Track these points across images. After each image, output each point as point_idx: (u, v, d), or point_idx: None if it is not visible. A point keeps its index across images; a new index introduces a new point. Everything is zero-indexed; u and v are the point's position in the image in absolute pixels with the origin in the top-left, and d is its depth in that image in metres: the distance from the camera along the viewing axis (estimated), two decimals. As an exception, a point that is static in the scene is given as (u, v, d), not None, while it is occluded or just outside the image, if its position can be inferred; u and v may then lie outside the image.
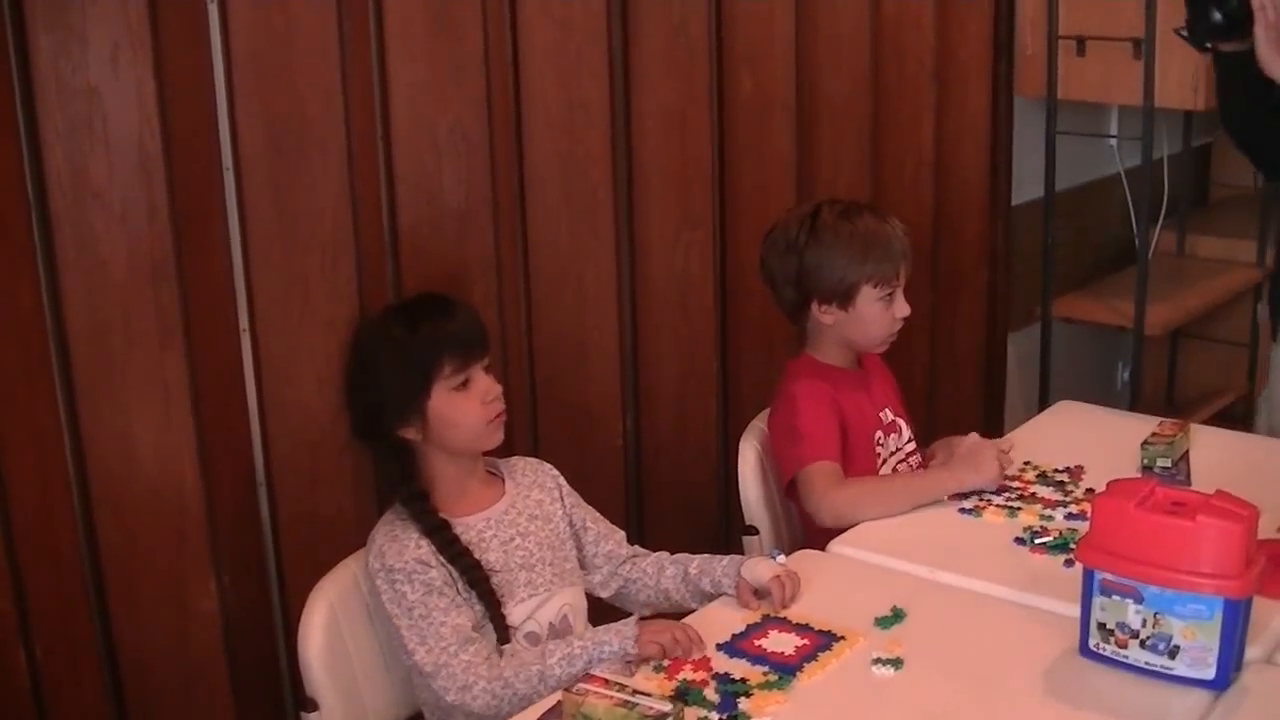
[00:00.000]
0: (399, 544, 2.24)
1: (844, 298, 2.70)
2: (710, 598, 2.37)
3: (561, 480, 2.49)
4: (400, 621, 2.21)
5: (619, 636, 2.14)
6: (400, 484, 2.31)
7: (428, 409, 2.27)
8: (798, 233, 2.72)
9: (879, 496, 2.62)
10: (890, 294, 2.71)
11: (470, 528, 2.32)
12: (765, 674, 2.08)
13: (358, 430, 2.38)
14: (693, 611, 2.34)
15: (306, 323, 2.54)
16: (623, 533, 2.52)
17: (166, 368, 2.36)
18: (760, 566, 2.32)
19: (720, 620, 2.25)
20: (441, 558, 2.25)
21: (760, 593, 2.31)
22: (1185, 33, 2.80)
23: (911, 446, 2.88)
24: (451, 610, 2.22)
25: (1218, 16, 2.70)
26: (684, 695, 2.00)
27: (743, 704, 2.00)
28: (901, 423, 2.88)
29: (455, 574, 2.25)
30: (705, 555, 2.44)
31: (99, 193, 2.25)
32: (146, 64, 2.25)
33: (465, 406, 2.29)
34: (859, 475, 2.71)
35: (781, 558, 2.37)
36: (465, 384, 2.29)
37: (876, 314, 2.72)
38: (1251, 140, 3.00)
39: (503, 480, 2.43)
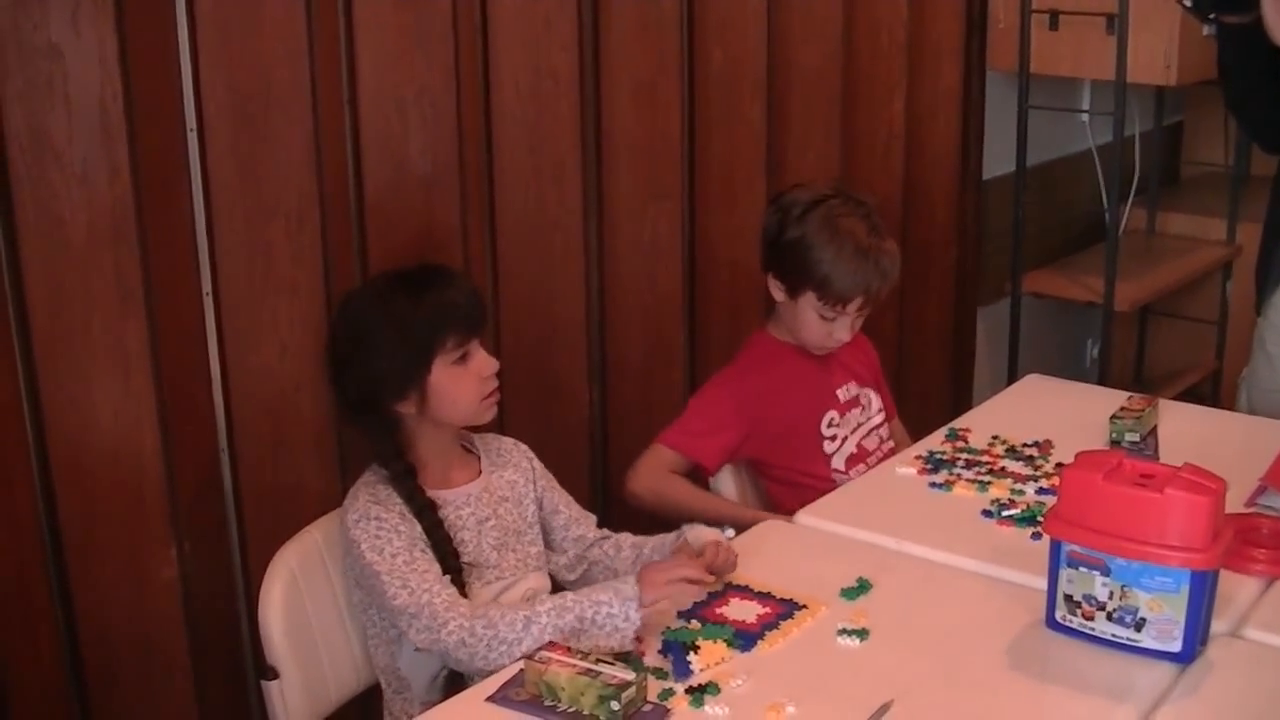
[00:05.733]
0: (384, 506, 2.22)
1: (791, 286, 2.68)
2: None
3: (535, 462, 2.46)
4: (381, 567, 2.16)
5: (619, 597, 2.05)
6: (392, 459, 2.26)
7: (428, 383, 2.23)
8: (801, 203, 2.69)
9: (679, 500, 2.63)
10: (834, 318, 2.67)
11: (449, 503, 2.29)
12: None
13: (349, 406, 2.30)
14: None
15: (270, 288, 2.51)
16: (594, 517, 2.49)
17: (127, 332, 2.33)
18: (705, 534, 2.28)
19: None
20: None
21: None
22: (1188, 4, 2.73)
23: (880, 419, 2.87)
24: (433, 564, 2.19)
25: None
26: (625, 660, 1.95)
27: (695, 662, 1.97)
28: (870, 394, 2.86)
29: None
30: (661, 535, 2.40)
31: (59, 153, 2.21)
32: (109, 22, 2.21)
33: (464, 382, 2.25)
34: (801, 467, 2.73)
35: (730, 533, 2.31)
36: (464, 358, 2.25)
37: (810, 321, 2.69)
38: (1257, 116, 2.95)
39: (478, 457, 2.40)
